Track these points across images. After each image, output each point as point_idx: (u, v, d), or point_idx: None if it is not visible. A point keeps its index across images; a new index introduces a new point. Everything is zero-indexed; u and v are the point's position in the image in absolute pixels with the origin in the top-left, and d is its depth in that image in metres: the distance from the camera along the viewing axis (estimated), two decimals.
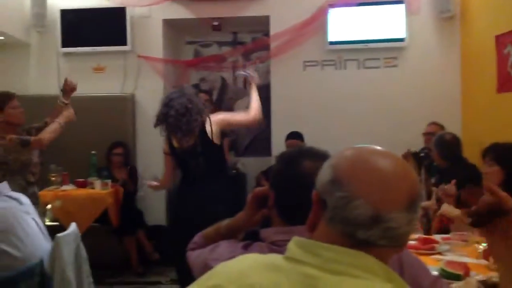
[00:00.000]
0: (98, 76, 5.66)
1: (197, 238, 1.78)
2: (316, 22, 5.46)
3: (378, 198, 0.90)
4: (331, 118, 5.44)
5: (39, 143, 3.50)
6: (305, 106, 5.52)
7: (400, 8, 5.31)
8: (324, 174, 0.97)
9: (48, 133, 3.55)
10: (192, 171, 3.39)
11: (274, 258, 0.97)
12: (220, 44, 6.36)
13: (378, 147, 1.00)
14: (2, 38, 5.35)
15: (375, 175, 0.92)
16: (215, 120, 3.37)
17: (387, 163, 0.95)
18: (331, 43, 5.44)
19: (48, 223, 4.26)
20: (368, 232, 0.90)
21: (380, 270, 0.90)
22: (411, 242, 2.66)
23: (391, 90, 5.41)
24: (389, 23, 5.34)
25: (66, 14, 5.54)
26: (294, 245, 0.96)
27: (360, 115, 5.40)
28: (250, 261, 1.00)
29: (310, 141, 4.87)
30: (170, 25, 5.84)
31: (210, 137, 3.32)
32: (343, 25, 5.42)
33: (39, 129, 3.68)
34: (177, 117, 3.28)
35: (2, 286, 1.84)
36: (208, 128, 3.34)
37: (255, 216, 1.59)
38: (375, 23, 5.36)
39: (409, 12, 5.31)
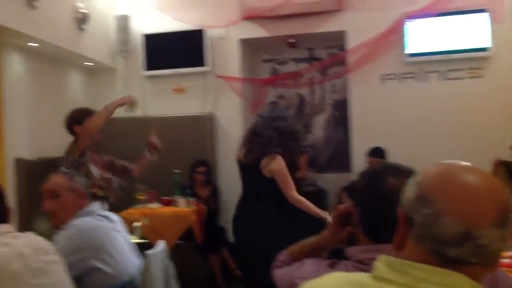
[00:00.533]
0: (179, 97, 5.85)
1: (282, 256, 1.79)
2: (394, 34, 5.38)
3: (467, 214, 0.87)
4: (412, 133, 5.30)
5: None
6: (384, 120, 5.42)
7: (483, 16, 5.12)
8: (409, 191, 0.95)
9: (94, 119, 3.70)
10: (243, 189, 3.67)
11: (361, 276, 0.96)
12: (297, 60, 6.39)
13: (465, 163, 0.97)
14: (91, 64, 5.66)
15: (463, 191, 0.90)
16: (275, 163, 3.47)
17: (475, 178, 0.92)
18: (410, 55, 5.32)
19: (135, 240, 4.42)
20: (458, 249, 0.88)
21: None
22: (505, 260, 2.54)
23: (476, 103, 5.20)
24: (472, 32, 5.17)
25: (148, 39, 5.78)
26: (381, 264, 0.94)
27: (443, 129, 5.22)
28: (337, 280, 0.99)
29: (391, 156, 4.78)
30: (246, 44, 5.95)
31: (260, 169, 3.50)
32: (423, 36, 5.30)
33: (124, 168, 3.93)
34: (257, 134, 3.40)
35: None
36: (263, 162, 3.48)
37: (339, 234, 1.58)
38: (457, 33, 5.20)
39: (493, 21, 5.10)
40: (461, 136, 5.15)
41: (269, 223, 3.47)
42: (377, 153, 4.91)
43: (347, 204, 1.57)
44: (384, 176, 1.42)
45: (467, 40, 5.17)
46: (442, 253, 0.89)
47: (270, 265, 1.74)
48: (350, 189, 4.46)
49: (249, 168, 3.57)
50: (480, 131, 5.13)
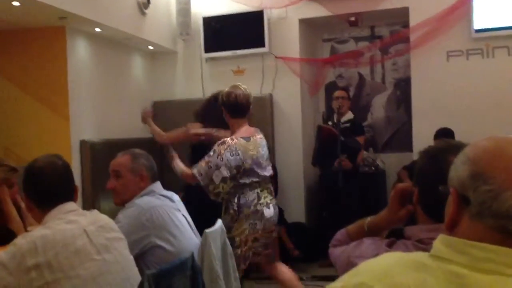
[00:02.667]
0: (238, 78, 5.85)
1: (339, 235, 1.77)
2: (460, 9, 5.16)
3: None
4: (479, 112, 5.09)
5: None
6: (449, 99, 5.23)
7: None
8: (461, 169, 0.94)
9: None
10: None
11: (420, 256, 0.95)
12: (357, 39, 6.26)
13: (507, 136, 0.96)
14: (152, 48, 5.76)
15: None
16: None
17: None
18: (477, 30, 5.10)
19: None
20: None
21: None
22: None
23: None
24: None
25: (208, 21, 5.81)
26: (440, 243, 0.93)
27: (511, 108, 4.99)
28: (396, 259, 0.97)
29: (457, 137, 4.61)
30: (306, 24, 5.88)
31: None
32: (490, 11, 5.06)
33: None
34: None
35: (157, 278, 1.98)
36: None
37: (398, 213, 1.55)
38: None
39: None
40: None
41: None
42: (445, 134, 4.74)
43: (406, 183, 1.54)
44: (444, 155, 1.39)
45: None
46: (506, 229, 0.87)
47: None
48: (411, 169, 4.36)
49: None
50: None
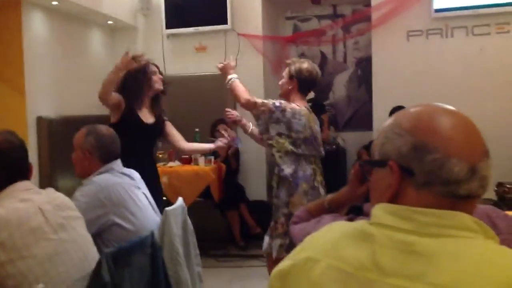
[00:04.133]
0: (200, 55, 5.81)
1: (300, 212, 1.78)
2: None
3: (468, 151, 0.90)
4: (437, 91, 5.18)
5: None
6: (409, 79, 5.31)
7: None
8: (399, 141, 0.94)
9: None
10: None
11: (362, 224, 0.95)
12: (320, 18, 6.26)
13: (436, 104, 0.99)
14: (111, 22, 5.63)
15: (460, 130, 0.92)
16: None
17: (457, 117, 0.95)
18: (437, 10, 5.17)
19: None
20: (469, 185, 0.90)
21: (478, 227, 0.89)
22: None
23: (504, 59, 5.04)
24: None
25: None
26: (382, 211, 0.93)
27: (469, 87, 5.09)
28: (340, 230, 0.98)
29: None
30: (269, 1, 5.84)
31: None
32: None
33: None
34: None
35: (116, 256, 1.96)
36: None
37: (358, 190, 1.57)
38: None
39: None
40: (488, 94, 5.03)
41: None
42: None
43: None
44: None
45: None
46: (455, 193, 0.90)
47: None
48: (370, 148, 4.42)
49: None
50: (508, 88, 4.99)
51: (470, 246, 0.86)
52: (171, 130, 3.68)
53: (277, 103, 3.19)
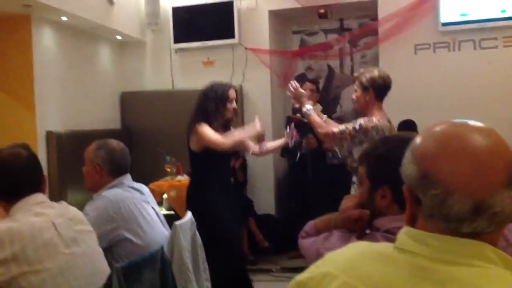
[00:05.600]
0: (208, 69, 5.83)
1: (307, 227, 1.79)
2: (427, 2, 5.22)
3: (475, 186, 0.83)
4: (445, 105, 5.18)
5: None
6: (416, 92, 5.30)
7: None
8: (409, 168, 0.91)
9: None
10: None
11: (385, 247, 0.95)
12: (327, 32, 6.29)
13: (462, 122, 0.91)
14: (120, 37, 5.68)
15: (466, 162, 0.84)
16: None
17: (476, 142, 0.86)
18: (444, 24, 5.18)
19: (164, 212, 4.48)
20: (473, 224, 0.85)
21: (496, 256, 0.85)
22: None
23: (511, 72, 5.04)
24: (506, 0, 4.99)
25: (177, 11, 5.76)
26: (404, 235, 0.93)
27: (477, 100, 5.08)
28: (362, 250, 0.99)
29: (423, 128, 4.69)
30: (276, 15, 5.87)
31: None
32: (456, 4, 5.14)
33: None
34: None
35: (126, 271, 1.96)
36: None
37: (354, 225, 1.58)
38: (491, 0, 5.02)
39: None
40: (496, 107, 5.01)
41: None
42: (408, 126, 4.82)
43: (356, 211, 1.56)
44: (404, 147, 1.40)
45: (502, 7, 4.99)
46: (458, 231, 0.86)
47: None
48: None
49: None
50: None
51: (485, 276, 0.83)
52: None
53: (356, 126, 3.15)
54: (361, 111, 3.33)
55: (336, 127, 3.26)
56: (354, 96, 3.33)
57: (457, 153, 0.86)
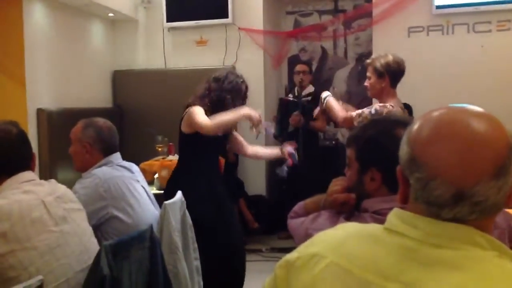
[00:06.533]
0: (201, 49, 5.80)
1: (297, 207, 1.80)
2: None
3: (458, 174, 0.83)
4: (438, 87, 5.19)
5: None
6: (409, 75, 5.22)
7: None
8: (403, 150, 0.92)
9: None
10: None
11: (374, 228, 0.96)
12: (321, 12, 6.25)
13: (461, 107, 0.90)
14: (111, 15, 5.62)
15: (453, 148, 0.84)
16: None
17: (469, 129, 0.85)
18: (438, 7, 5.16)
19: (155, 191, 4.48)
20: (453, 210, 0.85)
21: (484, 240, 0.85)
22: None
23: (505, 56, 5.04)
24: None
25: None
26: (393, 216, 0.94)
27: (470, 83, 5.09)
28: (350, 231, 1.00)
29: (417, 112, 4.69)
30: None
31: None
32: None
33: None
34: None
35: (115, 249, 1.97)
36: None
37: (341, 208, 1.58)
38: None
39: None
40: (489, 91, 5.01)
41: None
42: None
43: (342, 195, 1.56)
44: (400, 131, 1.40)
45: None
46: (438, 215, 0.87)
47: None
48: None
49: None
50: (508, 86, 4.99)
51: (472, 260, 0.83)
52: (237, 137, 3.54)
53: (372, 110, 3.13)
54: (375, 98, 3.32)
55: (354, 112, 3.25)
56: (367, 83, 3.28)
57: (446, 139, 0.85)
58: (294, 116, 4.98)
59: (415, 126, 0.92)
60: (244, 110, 3.16)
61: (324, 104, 3.41)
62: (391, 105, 3.14)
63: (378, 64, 3.20)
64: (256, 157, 3.74)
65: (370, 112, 3.14)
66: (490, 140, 0.84)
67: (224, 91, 3.24)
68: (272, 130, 3.68)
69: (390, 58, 3.22)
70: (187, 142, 3.29)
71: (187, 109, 3.22)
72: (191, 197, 2.93)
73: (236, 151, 3.83)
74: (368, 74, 3.27)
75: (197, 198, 3.11)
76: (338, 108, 3.33)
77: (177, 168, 3.43)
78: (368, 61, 3.31)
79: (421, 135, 0.89)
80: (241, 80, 3.34)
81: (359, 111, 3.22)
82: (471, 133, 0.85)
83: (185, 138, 3.28)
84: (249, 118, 3.13)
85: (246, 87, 3.38)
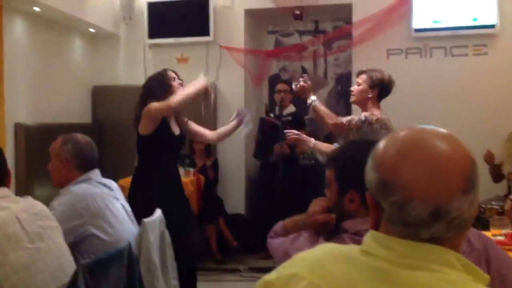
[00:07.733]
0: (182, 66, 5.79)
1: (277, 227, 1.80)
2: (401, 8, 5.30)
3: (432, 193, 0.85)
4: (415, 109, 5.25)
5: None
6: (388, 96, 5.36)
7: None
8: (370, 175, 0.93)
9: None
10: None
11: (351, 249, 0.96)
12: (301, 33, 6.32)
13: (421, 128, 0.93)
14: (93, 30, 5.60)
15: (423, 169, 0.86)
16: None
17: (434, 149, 0.87)
18: (417, 30, 5.26)
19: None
20: (431, 229, 0.86)
21: (458, 262, 0.86)
22: (500, 238, 2.54)
23: (480, 80, 5.15)
24: (478, 8, 5.09)
25: (153, 6, 5.71)
26: (369, 237, 0.94)
27: (446, 106, 5.18)
28: (327, 251, 1.00)
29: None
30: (251, 15, 5.88)
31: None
32: (429, 11, 5.23)
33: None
34: None
35: (92, 268, 1.94)
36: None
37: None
38: (463, 8, 5.13)
39: None
40: (464, 114, 5.11)
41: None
42: None
43: (322, 216, 1.58)
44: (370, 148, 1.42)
45: (473, 16, 5.10)
46: (416, 236, 0.87)
47: None
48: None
49: None
50: (484, 109, 5.09)
51: (446, 281, 0.84)
52: (195, 127, 3.64)
53: (362, 117, 3.18)
54: (358, 105, 3.35)
55: (343, 118, 3.29)
56: (355, 89, 3.33)
57: (415, 160, 0.87)
58: (276, 148, 5.02)
59: (379, 150, 0.93)
60: (201, 81, 3.34)
61: (311, 108, 3.45)
62: (379, 113, 3.21)
63: (374, 76, 3.27)
64: (220, 137, 3.81)
65: (359, 119, 3.18)
66: (455, 157, 0.87)
67: (153, 89, 3.37)
68: (248, 117, 3.73)
69: (386, 75, 3.32)
70: (146, 143, 3.33)
71: (141, 113, 3.29)
72: (153, 195, 3.05)
73: (199, 140, 3.90)
74: (359, 80, 3.33)
75: (155, 197, 3.17)
76: (328, 114, 3.36)
77: (137, 171, 3.48)
78: (364, 69, 3.37)
79: (388, 159, 0.90)
80: (161, 71, 3.49)
81: (349, 117, 3.28)
82: (437, 152, 0.87)
83: (143, 140, 3.33)
84: (205, 89, 3.33)
85: (170, 71, 3.48)
